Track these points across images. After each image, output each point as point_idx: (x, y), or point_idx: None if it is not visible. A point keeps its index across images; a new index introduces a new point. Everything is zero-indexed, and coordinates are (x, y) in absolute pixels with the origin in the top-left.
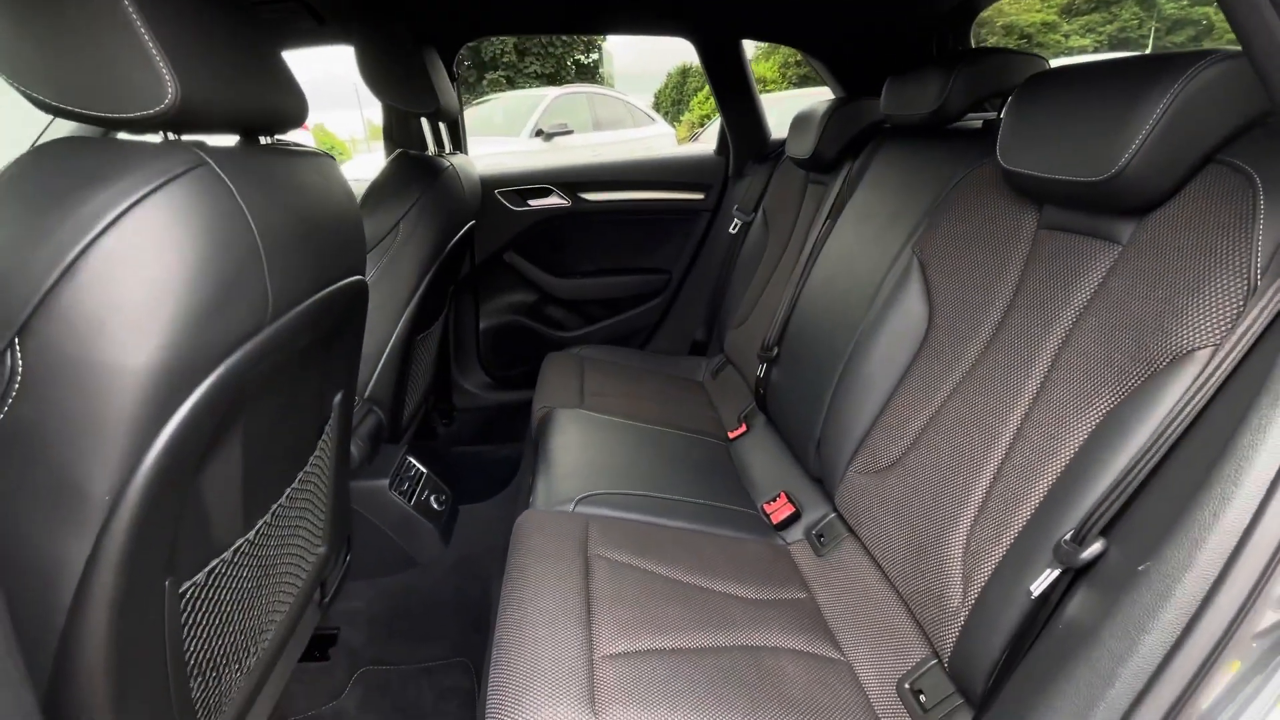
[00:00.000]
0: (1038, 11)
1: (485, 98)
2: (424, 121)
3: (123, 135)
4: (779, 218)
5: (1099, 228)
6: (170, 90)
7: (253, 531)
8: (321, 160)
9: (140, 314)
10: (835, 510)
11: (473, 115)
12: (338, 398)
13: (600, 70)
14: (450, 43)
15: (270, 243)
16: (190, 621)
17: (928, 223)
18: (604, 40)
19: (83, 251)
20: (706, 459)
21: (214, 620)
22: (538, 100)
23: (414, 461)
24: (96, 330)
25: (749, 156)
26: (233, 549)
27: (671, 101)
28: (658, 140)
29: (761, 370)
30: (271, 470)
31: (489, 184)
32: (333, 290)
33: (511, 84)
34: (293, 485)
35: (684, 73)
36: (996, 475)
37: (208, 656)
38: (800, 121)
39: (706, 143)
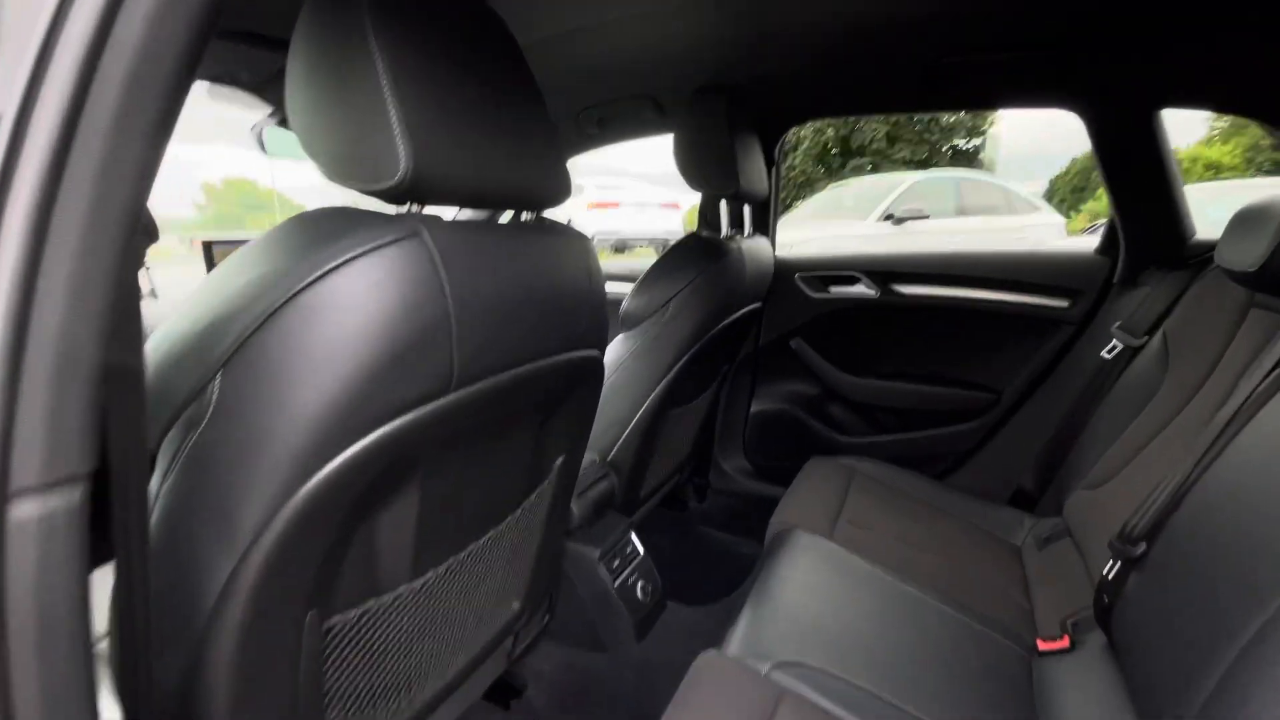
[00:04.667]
0: None
1: (845, 182)
2: (723, 204)
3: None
4: (1191, 348)
5: None
6: (403, 164)
7: (419, 581)
8: (569, 239)
9: (315, 364)
10: None
11: (825, 198)
12: (559, 460)
13: (981, 155)
14: (774, 128)
15: (466, 315)
16: (335, 655)
17: None
18: (991, 125)
19: (284, 303)
20: (990, 669)
21: (363, 657)
22: (896, 184)
23: (634, 540)
24: (276, 372)
25: (1151, 260)
26: (394, 595)
27: (1071, 189)
28: (1038, 231)
29: (1112, 568)
30: (452, 526)
31: (790, 267)
32: (547, 364)
33: (876, 170)
34: (479, 542)
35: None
36: None
37: (352, 690)
38: (1247, 220)
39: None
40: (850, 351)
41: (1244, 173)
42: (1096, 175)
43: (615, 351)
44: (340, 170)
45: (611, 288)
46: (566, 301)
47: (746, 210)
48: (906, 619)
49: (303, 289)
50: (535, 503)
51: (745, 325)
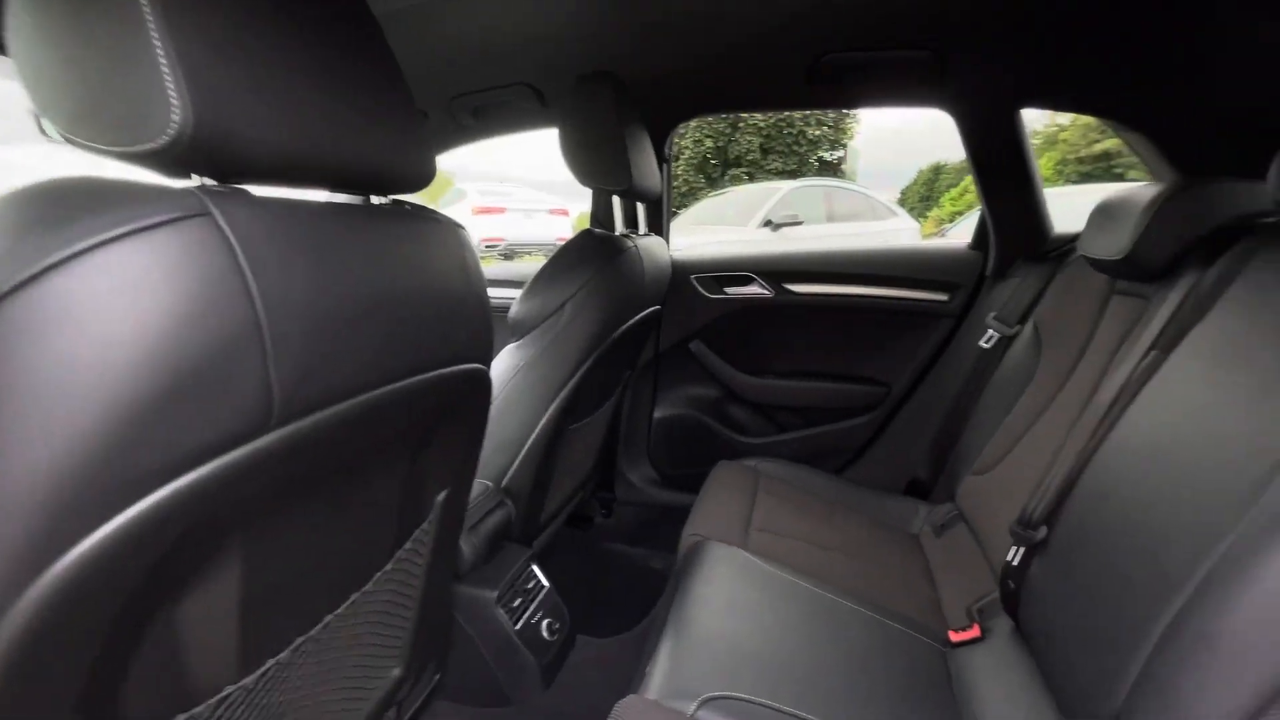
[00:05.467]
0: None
1: (724, 190)
2: (615, 200)
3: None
4: (1060, 335)
5: None
6: (179, 115)
7: (254, 676)
8: (437, 226)
9: (41, 403)
10: None
11: (707, 206)
12: (441, 496)
13: (843, 167)
14: (663, 124)
15: (286, 324)
16: None
17: None
18: (851, 139)
19: None
20: (910, 669)
21: None
22: (772, 192)
23: (537, 572)
24: None
25: (1019, 253)
26: (217, 699)
27: (919, 198)
28: (898, 235)
29: (1015, 555)
30: (296, 599)
31: (685, 269)
32: (415, 384)
33: (752, 179)
34: (336, 612)
35: (936, 170)
36: None
37: None
38: (1107, 212)
39: (957, 239)
40: (747, 352)
41: (1056, 182)
42: (939, 185)
43: (504, 363)
44: (83, 124)
45: (497, 294)
46: (439, 304)
47: (640, 209)
48: (827, 629)
49: (11, 292)
50: (412, 550)
51: (645, 329)
